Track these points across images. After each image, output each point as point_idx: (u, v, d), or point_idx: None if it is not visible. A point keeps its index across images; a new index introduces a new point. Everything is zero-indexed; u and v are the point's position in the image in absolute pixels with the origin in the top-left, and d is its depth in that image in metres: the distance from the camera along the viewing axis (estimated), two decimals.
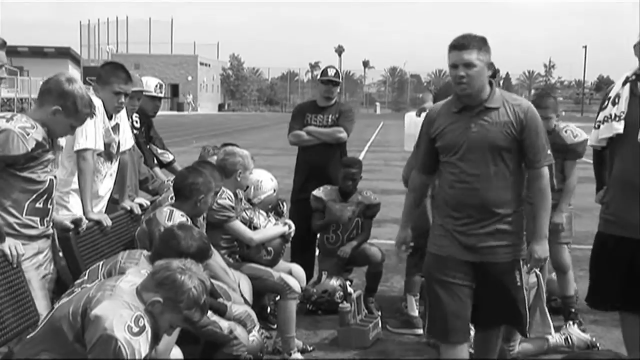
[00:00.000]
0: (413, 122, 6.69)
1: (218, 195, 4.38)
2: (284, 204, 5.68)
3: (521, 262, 3.60)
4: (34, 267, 3.47)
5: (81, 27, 70.88)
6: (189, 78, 66.44)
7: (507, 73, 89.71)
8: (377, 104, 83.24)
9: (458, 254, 3.53)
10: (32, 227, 3.44)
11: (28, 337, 2.80)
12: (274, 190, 5.26)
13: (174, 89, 63.09)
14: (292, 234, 4.99)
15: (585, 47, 76.48)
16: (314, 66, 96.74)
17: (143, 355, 2.58)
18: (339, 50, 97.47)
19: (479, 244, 3.50)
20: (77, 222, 3.83)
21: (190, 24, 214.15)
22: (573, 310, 5.18)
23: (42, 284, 3.52)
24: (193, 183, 4.00)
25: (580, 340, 4.79)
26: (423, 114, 5.88)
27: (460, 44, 3.41)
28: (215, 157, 5.01)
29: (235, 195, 4.76)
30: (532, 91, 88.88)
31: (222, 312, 3.73)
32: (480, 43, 3.44)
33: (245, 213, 4.84)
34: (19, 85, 43.10)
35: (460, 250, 3.53)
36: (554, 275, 5.59)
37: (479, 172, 3.47)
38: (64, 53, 59.71)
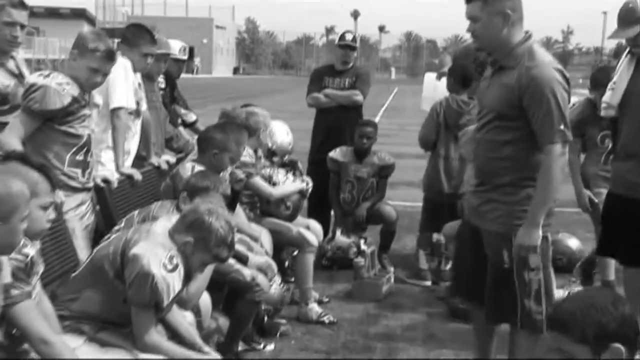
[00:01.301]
0: (432, 84, 6.82)
1: None
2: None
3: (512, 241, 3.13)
4: (77, 218, 3.68)
5: None
6: (204, 41, 66.15)
7: None
8: (392, 69, 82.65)
9: (469, 216, 3.42)
10: (74, 179, 3.64)
11: (72, 276, 3.05)
12: (288, 133, 5.41)
13: (190, 52, 62.78)
14: (310, 191, 5.19)
15: (605, 12, 75.20)
16: (329, 30, 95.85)
17: (177, 291, 2.82)
18: (355, 15, 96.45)
19: (478, 208, 3.28)
20: (107, 180, 4.01)
21: None
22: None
23: (85, 234, 3.72)
24: (211, 137, 4.13)
25: None
26: (443, 79, 6.04)
27: None
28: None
29: (255, 152, 4.96)
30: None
31: (244, 261, 3.97)
32: None
33: (265, 170, 5.04)
34: (35, 46, 43.11)
35: (469, 213, 3.41)
36: (560, 235, 5.80)
37: (481, 136, 3.26)
38: (80, 14, 59.57)
